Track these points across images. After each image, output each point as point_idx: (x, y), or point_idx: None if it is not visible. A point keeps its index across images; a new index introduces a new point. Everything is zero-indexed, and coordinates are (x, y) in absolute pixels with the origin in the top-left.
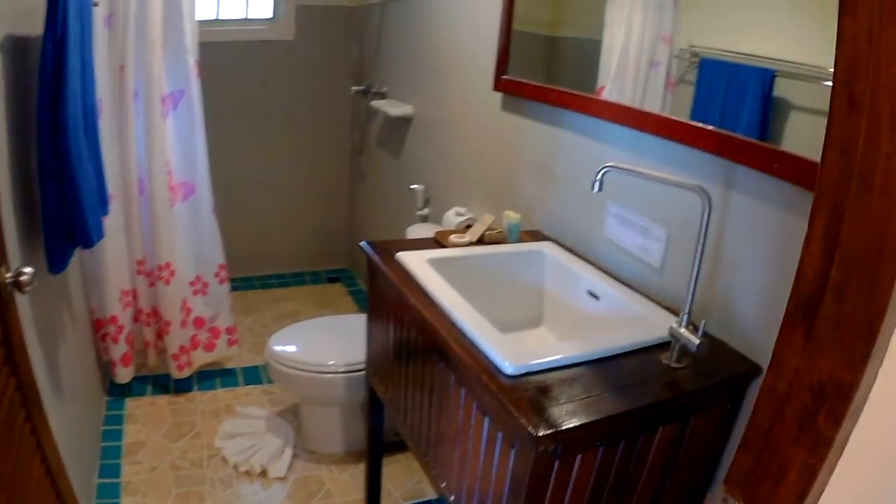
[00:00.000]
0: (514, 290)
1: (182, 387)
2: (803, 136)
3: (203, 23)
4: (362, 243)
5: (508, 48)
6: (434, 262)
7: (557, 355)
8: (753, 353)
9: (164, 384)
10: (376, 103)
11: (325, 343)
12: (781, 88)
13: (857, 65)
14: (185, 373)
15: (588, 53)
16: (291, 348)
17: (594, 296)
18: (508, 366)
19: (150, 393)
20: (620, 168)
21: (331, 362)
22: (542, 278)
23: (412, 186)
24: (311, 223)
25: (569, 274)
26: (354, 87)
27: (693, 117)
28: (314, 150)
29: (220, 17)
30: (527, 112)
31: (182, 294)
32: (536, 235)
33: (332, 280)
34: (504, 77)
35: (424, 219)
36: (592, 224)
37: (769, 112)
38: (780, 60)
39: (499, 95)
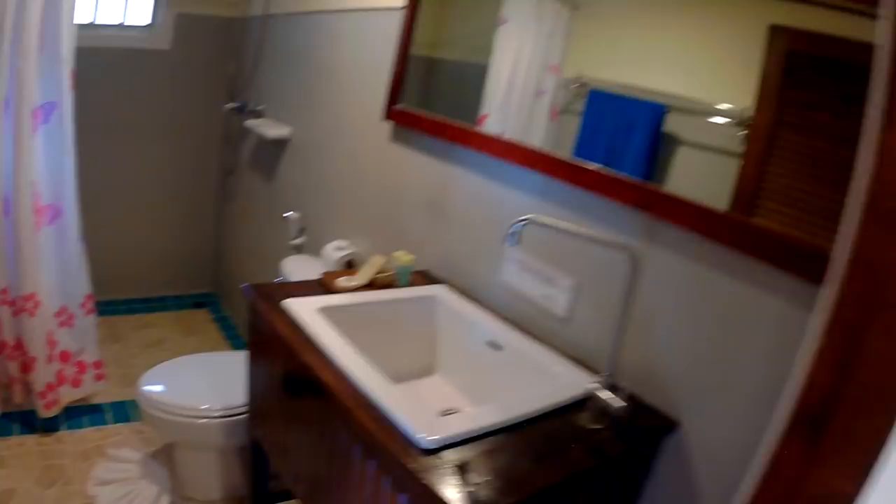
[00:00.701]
0: (407, 337)
1: (50, 426)
2: (690, 173)
3: (79, 27)
4: (243, 287)
5: (403, 75)
6: (325, 312)
7: (473, 424)
8: (670, 407)
9: (30, 422)
10: (251, 122)
11: (200, 384)
12: (671, 123)
13: (891, 180)
14: (53, 411)
15: (473, 79)
16: (163, 390)
17: (496, 346)
18: (425, 439)
19: (18, 432)
20: (539, 223)
21: (205, 406)
22: (435, 324)
23: (286, 214)
24: (176, 245)
25: (466, 322)
26: (229, 104)
27: (578, 149)
28: (182, 168)
29: (97, 22)
30: (417, 144)
31: (47, 327)
32: (428, 277)
33: (198, 305)
34: (396, 107)
35: (299, 249)
36: (489, 268)
37: (657, 147)
38: (669, 94)
39: (388, 125)
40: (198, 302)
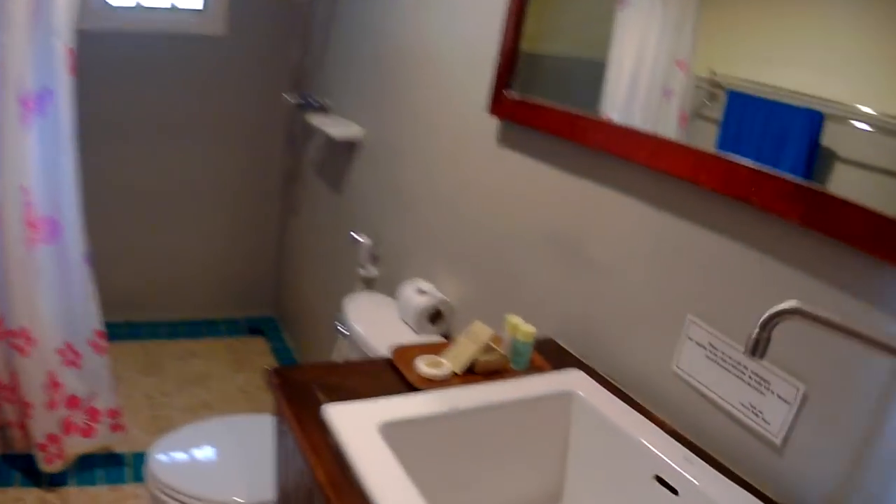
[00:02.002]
0: (522, 457)
1: (57, 479)
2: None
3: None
4: (270, 372)
5: (514, 55)
6: (392, 432)
7: None
8: None
9: (35, 471)
10: (316, 120)
11: (227, 463)
12: (828, 137)
13: None
14: (56, 466)
15: (587, 76)
16: (178, 472)
17: (667, 486)
18: None
19: (19, 482)
20: (810, 315)
21: (231, 498)
22: (567, 436)
23: (354, 235)
24: (232, 261)
25: (620, 440)
26: (291, 98)
27: None
28: (238, 172)
29: (143, 4)
30: (540, 151)
31: (47, 367)
32: (552, 352)
33: (254, 332)
34: (508, 93)
35: (369, 283)
36: (656, 349)
37: (814, 164)
38: (826, 101)
39: (495, 123)
40: (254, 328)
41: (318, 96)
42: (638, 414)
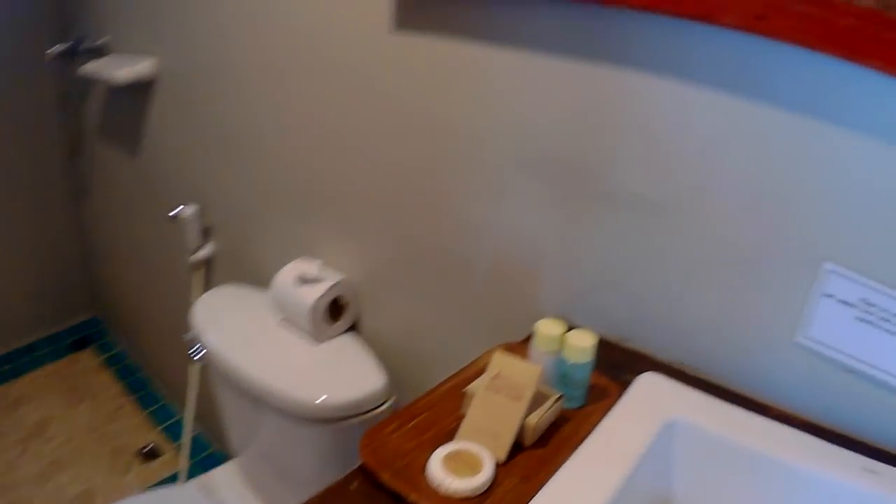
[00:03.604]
0: None
1: None
2: None
3: None
4: None
5: None
6: None
7: None
8: None
9: None
10: (91, 67)
11: None
12: None
13: None
14: None
15: None
16: None
17: None
18: None
19: None
20: None
21: None
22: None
23: (174, 212)
24: (28, 269)
25: (772, 479)
26: (55, 48)
27: None
28: (3, 159)
29: None
30: (503, 23)
31: None
32: (608, 359)
33: (79, 345)
34: None
35: (206, 266)
36: (759, 314)
37: None
38: None
39: None
40: (78, 339)
41: (91, 40)
42: (761, 420)
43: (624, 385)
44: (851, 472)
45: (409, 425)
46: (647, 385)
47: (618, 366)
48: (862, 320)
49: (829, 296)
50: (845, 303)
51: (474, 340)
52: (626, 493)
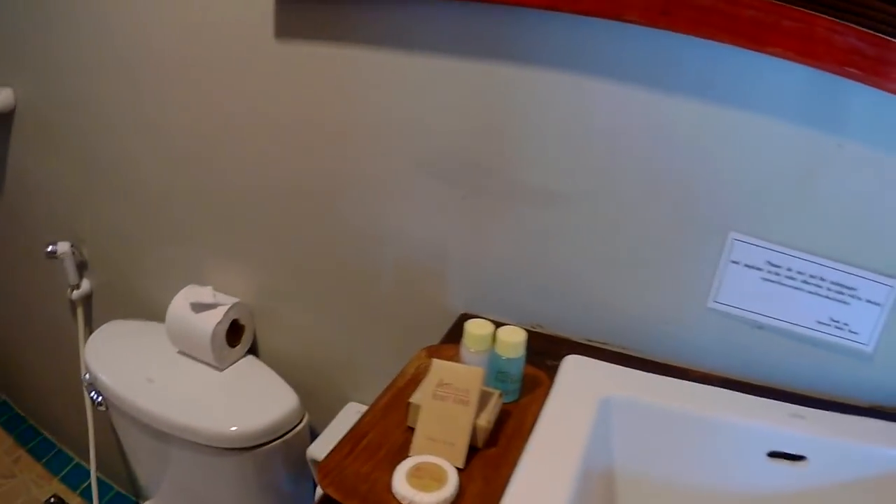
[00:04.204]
0: None
1: None
2: None
3: None
4: None
5: None
6: None
7: None
8: None
9: None
10: None
11: None
12: None
13: None
14: None
15: None
16: None
17: (787, 455)
18: None
19: None
20: None
21: None
22: (612, 462)
23: (50, 249)
24: None
25: (706, 435)
26: None
27: None
28: None
29: None
30: (394, 28)
31: None
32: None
33: None
34: None
35: (85, 301)
36: (671, 287)
37: None
38: None
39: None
40: None
41: None
42: (683, 385)
43: (550, 370)
44: (781, 419)
45: (360, 447)
46: (574, 368)
47: (540, 353)
48: (767, 280)
49: (736, 262)
50: (751, 266)
51: (385, 347)
52: (583, 476)
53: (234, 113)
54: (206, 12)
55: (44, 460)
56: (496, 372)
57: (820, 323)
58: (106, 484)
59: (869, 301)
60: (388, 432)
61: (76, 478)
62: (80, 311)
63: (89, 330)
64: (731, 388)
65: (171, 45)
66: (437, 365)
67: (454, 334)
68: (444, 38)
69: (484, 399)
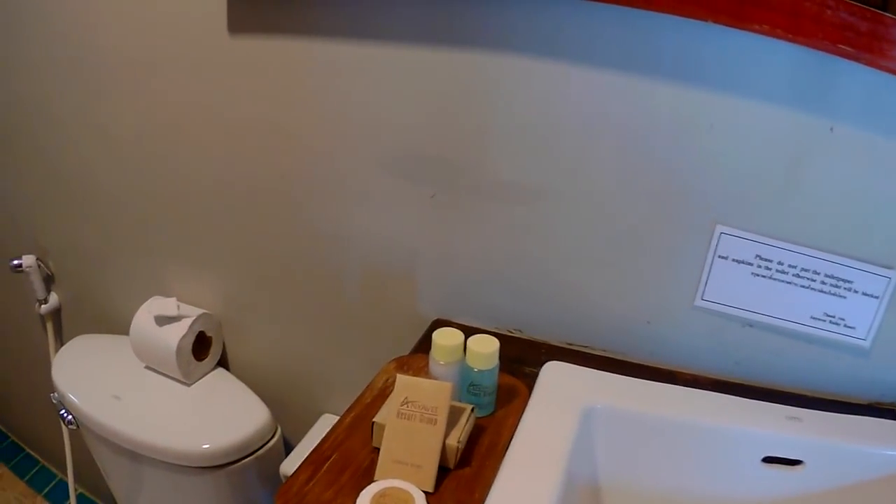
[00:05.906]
0: None
1: None
2: None
3: None
4: None
5: None
6: None
7: None
8: None
9: None
10: None
11: None
12: None
13: None
14: None
15: None
16: None
17: (783, 461)
18: None
19: None
20: None
21: None
22: (597, 474)
23: (15, 262)
24: None
25: (698, 444)
26: None
27: None
28: None
29: None
30: (355, 21)
31: None
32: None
33: None
34: None
35: (54, 317)
36: (658, 286)
37: None
38: None
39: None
40: None
41: None
42: (677, 387)
43: (528, 378)
44: (776, 423)
45: (322, 470)
46: (554, 376)
47: (517, 360)
48: (757, 275)
49: (724, 257)
50: (740, 261)
51: (359, 356)
52: (565, 492)
53: (188, 113)
54: (157, 7)
55: (27, 477)
56: (468, 385)
57: (814, 318)
58: (89, 500)
59: (865, 294)
60: (354, 453)
61: (60, 494)
62: (49, 326)
63: (60, 344)
64: (722, 391)
65: (119, 42)
66: (402, 381)
67: (427, 342)
68: (403, 27)
69: (454, 415)
